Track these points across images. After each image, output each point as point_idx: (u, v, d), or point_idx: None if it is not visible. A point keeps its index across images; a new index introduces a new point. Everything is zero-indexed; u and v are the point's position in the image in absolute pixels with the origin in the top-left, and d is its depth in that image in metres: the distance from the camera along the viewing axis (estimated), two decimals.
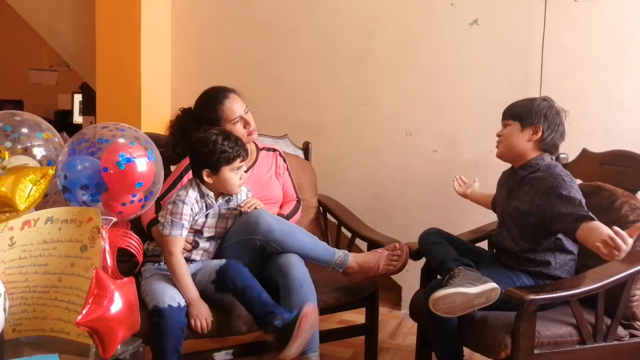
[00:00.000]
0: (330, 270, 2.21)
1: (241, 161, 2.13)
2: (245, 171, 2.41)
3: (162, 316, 1.91)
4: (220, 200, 2.17)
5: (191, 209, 2.09)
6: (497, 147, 2.16)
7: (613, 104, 2.80)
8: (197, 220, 2.13)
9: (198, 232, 2.15)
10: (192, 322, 1.97)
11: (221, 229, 2.19)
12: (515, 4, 2.90)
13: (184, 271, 2.05)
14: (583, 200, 1.95)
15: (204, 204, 2.14)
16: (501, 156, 2.16)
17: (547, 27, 2.84)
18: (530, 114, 2.06)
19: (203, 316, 1.99)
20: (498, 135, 2.15)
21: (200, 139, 2.13)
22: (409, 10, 3.08)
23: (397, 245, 2.25)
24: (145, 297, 2.00)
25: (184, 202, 2.07)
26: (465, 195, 2.53)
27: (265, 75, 3.38)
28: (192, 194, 2.11)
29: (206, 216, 2.15)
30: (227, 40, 3.45)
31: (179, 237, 2.06)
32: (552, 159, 2.11)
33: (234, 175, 2.12)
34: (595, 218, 1.88)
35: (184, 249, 2.11)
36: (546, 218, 1.98)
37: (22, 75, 5.61)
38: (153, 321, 1.92)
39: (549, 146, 2.07)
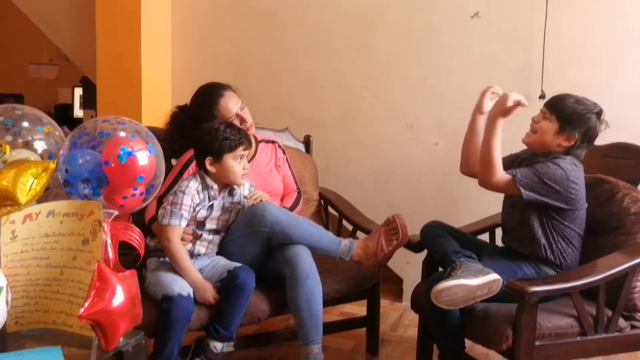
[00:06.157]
0: (338, 259, 2.21)
1: (244, 149, 2.14)
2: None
3: (172, 304, 1.94)
4: (224, 193, 2.17)
5: (191, 200, 2.10)
6: (528, 133, 2.09)
7: (615, 95, 2.79)
8: (199, 212, 2.13)
9: (200, 224, 2.16)
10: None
11: (223, 222, 2.20)
12: None
13: (184, 255, 2.07)
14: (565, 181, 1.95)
15: (206, 196, 2.14)
16: (528, 145, 2.11)
17: (548, 19, 2.82)
18: (574, 123, 2.01)
19: (210, 296, 2.04)
20: (533, 121, 2.08)
21: (203, 127, 2.15)
22: (410, 3, 3.07)
23: (391, 218, 2.24)
24: (153, 288, 2.03)
25: (184, 193, 2.09)
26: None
27: (266, 68, 3.37)
28: (194, 185, 2.12)
29: (210, 208, 2.15)
30: (227, 33, 3.44)
31: (177, 227, 2.07)
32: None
33: (236, 164, 2.13)
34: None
35: (183, 241, 2.11)
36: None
37: (22, 69, 5.58)
38: (162, 307, 1.94)
39: (573, 154, 2.04)
